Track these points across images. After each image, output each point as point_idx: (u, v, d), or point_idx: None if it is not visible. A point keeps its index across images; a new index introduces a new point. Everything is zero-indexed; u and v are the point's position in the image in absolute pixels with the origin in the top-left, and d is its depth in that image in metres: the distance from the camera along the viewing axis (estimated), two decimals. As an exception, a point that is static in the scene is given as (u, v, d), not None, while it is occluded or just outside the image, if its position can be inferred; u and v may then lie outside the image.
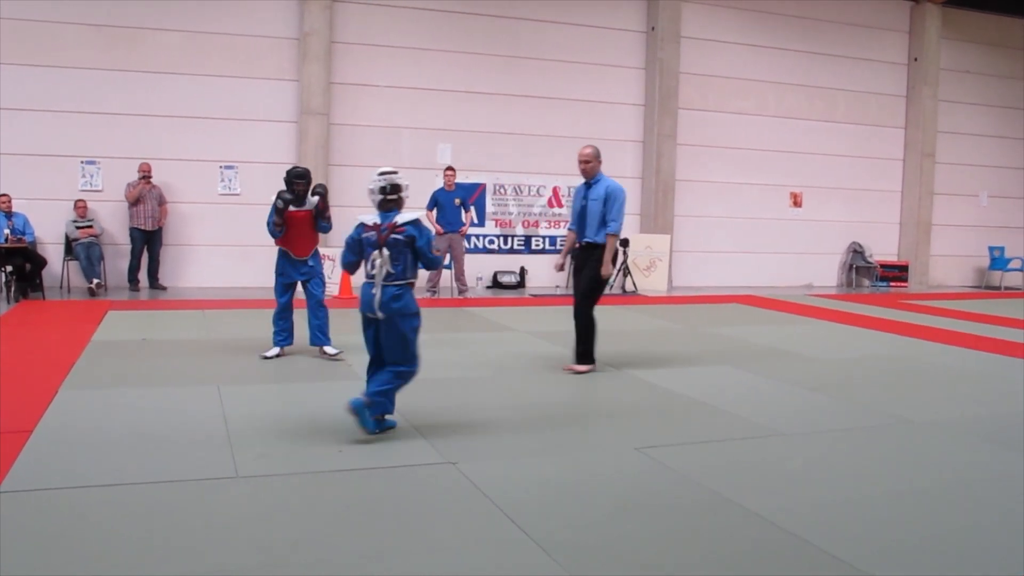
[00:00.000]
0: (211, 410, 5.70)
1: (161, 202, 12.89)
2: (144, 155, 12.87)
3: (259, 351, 7.84)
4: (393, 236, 5.16)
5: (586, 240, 7.43)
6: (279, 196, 7.56)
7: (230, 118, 13.47)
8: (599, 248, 7.34)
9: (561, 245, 15.29)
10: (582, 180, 7.52)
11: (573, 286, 7.78)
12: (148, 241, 12.84)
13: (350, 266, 5.45)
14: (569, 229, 7.83)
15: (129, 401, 5.93)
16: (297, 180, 7.69)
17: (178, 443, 4.94)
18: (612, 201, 7.30)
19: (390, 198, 5.25)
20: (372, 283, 5.16)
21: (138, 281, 12.82)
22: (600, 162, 7.48)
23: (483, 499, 4.12)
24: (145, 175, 12.64)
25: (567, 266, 7.88)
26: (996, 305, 14.47)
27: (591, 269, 7.38)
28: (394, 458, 4.77)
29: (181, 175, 13.29)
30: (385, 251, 5.12)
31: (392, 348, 5.19)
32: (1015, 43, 18.98)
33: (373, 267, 5.16)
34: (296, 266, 7.82)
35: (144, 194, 12.62)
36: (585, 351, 7.47)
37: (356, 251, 5.35)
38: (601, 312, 7.62)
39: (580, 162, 7.44)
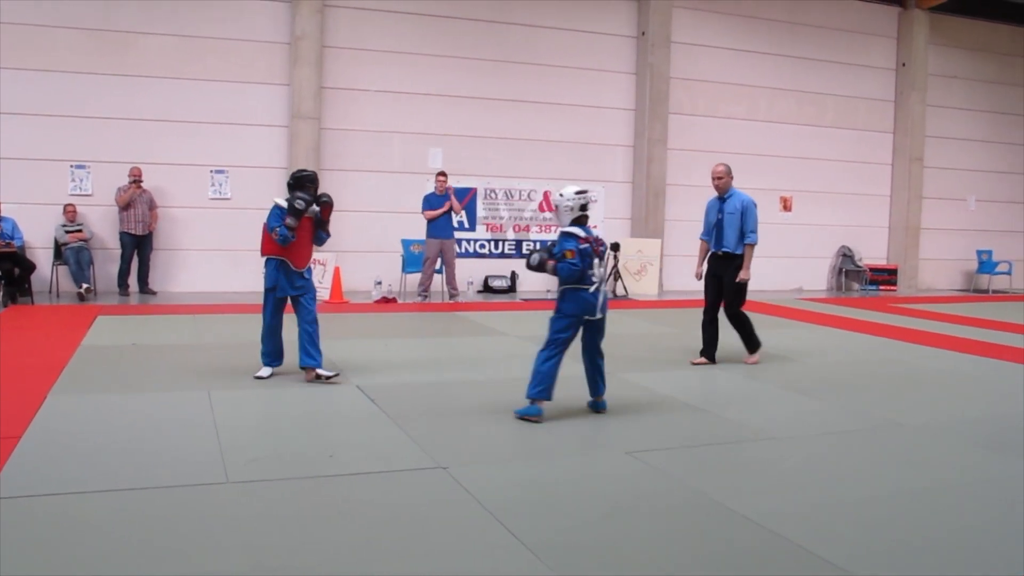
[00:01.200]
0: (202, 415, 5.69)
1: (151, 206, 12.86)
2: (134, 159, 12.84)
3: (250, 356, 7.82)
4: (601, 247, 6.07)
5: (724, 250, 8.18)
6: (297, 198, 6.83)
7: (221, 122, 13.45)
8: (737, 257, 8.11)
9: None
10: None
11: (705, 290, 8.48)
12: (138, 246, 12.80)
13: (576, 274, 5.94)
14: (701, 239, 8.55)
15: (119, 406, 5.93)
16: (309, 183, 7.11)
17: (168, 449, 4.93)
18: (748, 214, 8.10)
19: (587, 214, 6.10)
20: (597, 289, 5.97)
21: (128, 286, 12.78)
22: (732, 177, 8.29)
23: (474, 503, 4.13)
24: (136, 179, 12.60)
25: (702, 273, 8.58)
26: (985, 308, 14.55)
27: (732, 276, 8.13)
28: (385, 463, 4.77)
29: (171, 179, 13.26)
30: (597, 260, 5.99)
31: (598, 341, 6.13)
32: (1001, 48, 19.11)
33: (594, 274, 5.97)
34: (292, 279, 7.08)
35: (135, 198, 12.58)
36: (751, 340, 8.36)
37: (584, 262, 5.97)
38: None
39: (714, 178, 8.24)
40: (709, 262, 8.45)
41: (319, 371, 6.91)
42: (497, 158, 15.07)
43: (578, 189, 6.10)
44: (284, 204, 6.93)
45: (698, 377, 7.61)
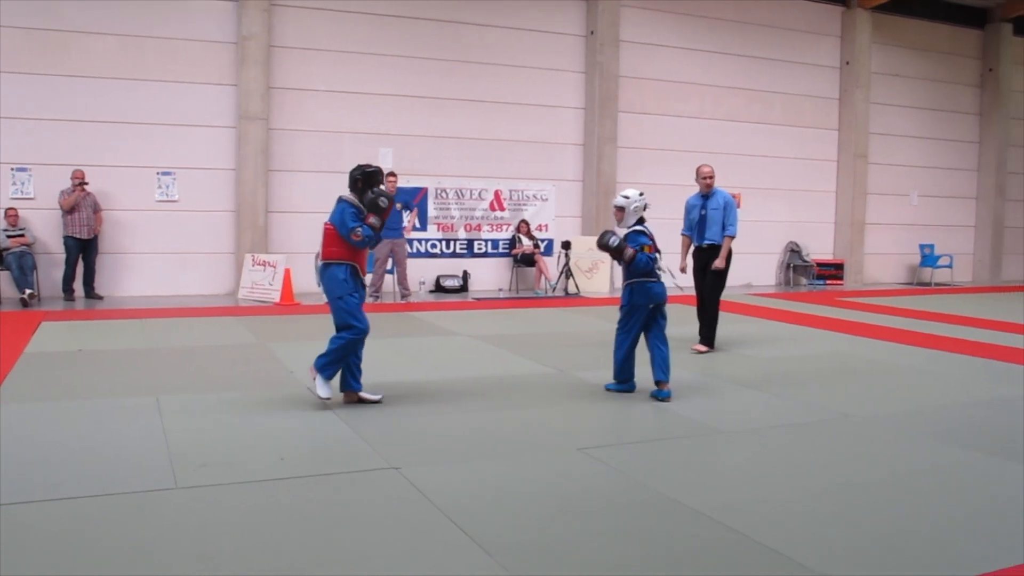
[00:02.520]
0: (150, 421, 5.62)
1: (96, 209, 12.61)
2: (78, 162, 12.60)
3: (200, 360, 7.72)
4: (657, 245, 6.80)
5: (709, 242, 8.89)
6: (380, 195, 6.11)
7: (167, 123, 13.25)
8: (717, 247, 8.87)
9: (505, 248, 15.40)
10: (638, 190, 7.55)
11: (695, 283, 9.15)
12: (83, 250, 12.55)
13: (651, 267, 6.66)
14: (683, 235, 9.26)
15: (65, 413, 5.82)
16: (379, 180, 6.28)
17: (116, 455, 4.86)
18: (731, 210, 8.92)
19: (645, 215, 6.82)
20: (660, 280, 6.68)
21: (73, 291, 12.54)
22: (715, 177, 9.10)
23: (426, 503, 4.13)
24: (80, 182, 12.36)
25: (687, 267, 9.26)
26: (928, 301, 14.87)
27: (719, 269, 8.88)
28: (337, 465, 4.75)
29: (117, 182, 13.04)
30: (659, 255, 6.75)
31: (664, 326, 6.76)
32: (941, 47, 19.56)
33: (661, 268, 6.69)
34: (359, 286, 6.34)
35: (79, 202, 12.33)
36: (711, 334, 8.94)
37: None
38: (542, 315, 7.72)
39: (703, 178, 9.03)
40: (693, 256, 9.13)
41: (363, 394, 6.28)
42: (448, 157, 15.05)
43: (639, 191, 6.81)
44: (353, 200, 6.16)
45: (648, 374, 7.66)
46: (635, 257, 6.56)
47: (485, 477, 4.61)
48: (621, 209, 6.77)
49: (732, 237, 8.92)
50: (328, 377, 6.06)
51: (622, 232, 6.76)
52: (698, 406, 6.41)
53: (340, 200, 6.20)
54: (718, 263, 8.88)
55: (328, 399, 6.04)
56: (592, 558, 3.56)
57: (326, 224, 6.21)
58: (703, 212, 8.95)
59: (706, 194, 9.03)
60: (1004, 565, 3.50)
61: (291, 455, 4.92)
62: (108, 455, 4.85)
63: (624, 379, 6.79)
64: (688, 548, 3.68)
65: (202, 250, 13.62)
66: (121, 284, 13.21)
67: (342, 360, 6.11)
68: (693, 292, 9.26)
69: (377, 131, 14.50)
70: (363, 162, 6.79)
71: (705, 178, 9.06)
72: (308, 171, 14.09)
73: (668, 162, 16.52)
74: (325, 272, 6.20)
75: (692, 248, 9.17)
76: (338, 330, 6.15)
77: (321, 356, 6.08)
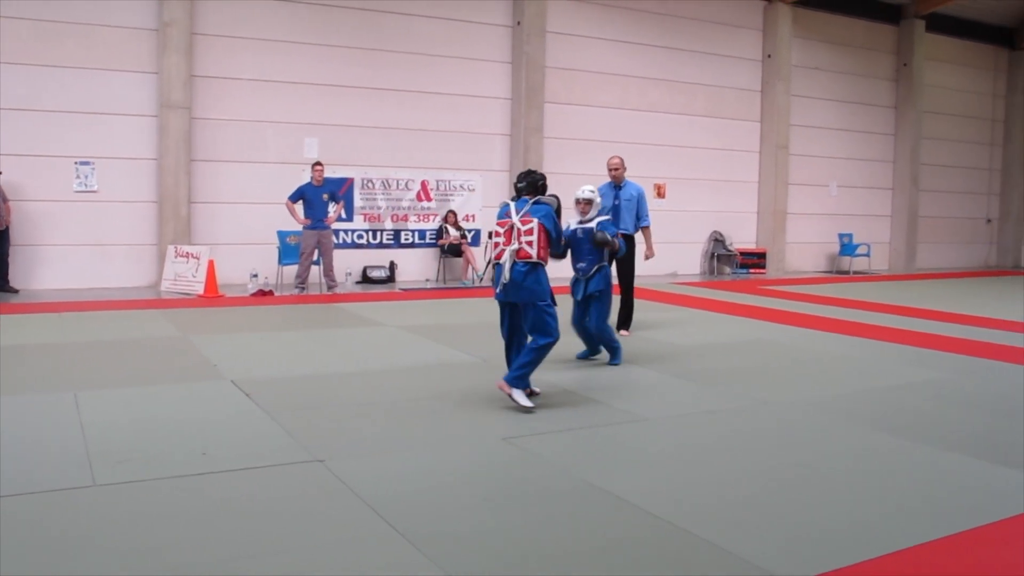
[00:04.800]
0: (67, 417, 5.50)
1: (4, 199, 12.18)
2: (-11, 151, 12.20)
3: (119, 354, 7.56)
4: None
5: (623, 231, 8.90)
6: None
7: (86, 111, 12.89)
8: (630, 237, 9.14)
9: (431, 239, 15.37)
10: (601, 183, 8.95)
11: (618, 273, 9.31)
12: (-6, 241, 12.14)
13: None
14: None
15: (-23, 411, 5.66)
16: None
17: (31, 453, 4.75)
18: (643, 201, 9.32)
19: None
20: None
21: (-14, 284, 12.16)
22: (626, 168, 9.34)
23: (352, 496, 4.14)
24: (-12, 171, 11.94)
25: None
26: (846, 288, 15.32)
27: (630, 256, 9.21)
28: (261, 458, 4.72)
29: (31, 171, 12.63)
30: None
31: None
32: (858, 42, 20.12)
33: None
34: None
35: (-13, 192, 11.93)
36: (629, 319, 9.42)
37: None
38: (469, 305, 7.77)
39: (611, 169, 9.25)
40: None
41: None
42: (374, 147, 14.95)
43: (590, 187, 7.57)
44: (551, 201, 6.14)
45: (573, 363, 7.76)
46: (618, 245, 7.49)
47: (411, 468, 4.63)
48: (589, 202, 7.38)
49: (648, 227, 9.41)
50: (525, 387, 5.94)
51: (589, 223, 7.44)
52: (619, 394, 6.51)
53: (537, 201, 6.07)
54: (648, 252, 9.44)
55: (533, 409, 5.84)
56: (519, 547, 3.60)
57: (531, 220, 5.97)
58: (616, 202, 9.18)
59: (618, 184, 9.29)
60: (915, 542, 3.66)
61: (214, 449, 4.87)
62: (22, 453, 4.74)
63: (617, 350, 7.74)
64: (616, 536, 3.74)
65: (123, 242, 13.30)
66: (38, 277, 12.83)
67: (537, 366, 5.98)
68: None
69: (302, 121, 14.33)
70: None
71: (613, 169, 9.30)
72: (232, 161, 13.86)
73: (593, 152, 16.65)
74: (531, 275, 5.97)
75: None
76: (537, 335, 5.98)
77: (517, 368, 5.89)
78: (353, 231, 14.92)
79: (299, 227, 12.93)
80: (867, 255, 19.56)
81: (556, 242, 6.17)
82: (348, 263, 14.49)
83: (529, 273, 5.95)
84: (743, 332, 9.93)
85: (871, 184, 20.75)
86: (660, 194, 17.64)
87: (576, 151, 16.45)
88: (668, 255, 17.63)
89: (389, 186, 15.17)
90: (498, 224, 6.17)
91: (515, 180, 6.29)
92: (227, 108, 13.82)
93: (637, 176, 17.06)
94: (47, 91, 12.67)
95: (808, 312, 11.69)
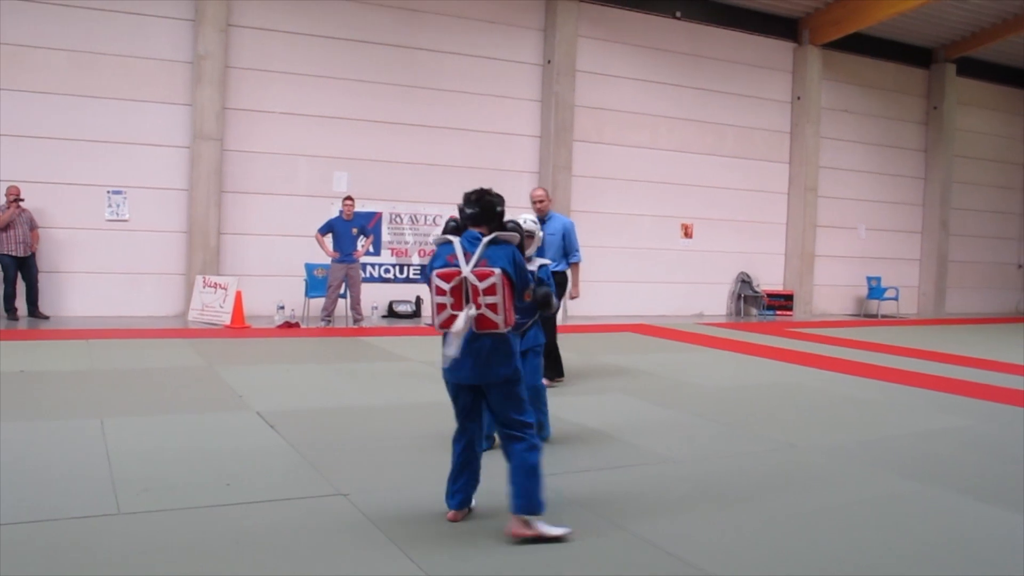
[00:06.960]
0: (93, 445, 5.50)
1: (32, 227, 12.35)
2: (17, 178, 12.33)
3: (146, 382, 7.59)
4: None
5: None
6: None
7: (119, 141, 13.09)
8: (560, 275, 8.24)
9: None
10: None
11: None
12: (21, 267, 12.24)
13: None
14: None
15: (4, 436, 5.67)
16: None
17: (57, 480, 4.75)
18: (571, 235, 8.52)
19: None
20: None
21: (16, 310, 12.26)
22: (551, 201, 8.67)
23: (374, 530, 4.10)
24: (15, 198, 12.08)
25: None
26: (875, 332, 15.15)
27: (557, 293, 8.27)
28: (284, 491, 4.70)
29: (65, 199, 12.82)
30: None
31: None
32: (888, 85, 20.08)
33: None
34: None
35: (14, 218, 12.07)
36: (559, 365, 8.50)
37: None
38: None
39: (535, 202, 8.45)
40: None
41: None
42: (403, 182, 15.05)
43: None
44: (512, 238, 4.40)
45: (599, 402, 7.69)
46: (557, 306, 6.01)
47: (435, 504, 4.57)
48: (530, 235, 5.82)
49: (578, 264, 8.68)
50: (542, 509, 4.15)
51: (533, 264, 5.76)
52: (644, 434, 6.44)
53: (494, 240, 4.28)
54: (575, 292, 8.81)
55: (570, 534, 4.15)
56: (540, 587, 3.54)
57: (491, 272, 4.18)
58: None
59: (543, 217, 8.30)
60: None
61: (237, 480, 4.85)
62: (48, 479, 4.74)
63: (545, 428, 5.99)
64: (635, 577, 3.68)
65: (152, 270, 13.43)
66: (68, 304, 12.97)
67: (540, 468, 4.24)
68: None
69: (332, 155, 14.46)
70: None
71: (537, 201, 8.48)
72: (262, 193, 13.99)
73: (621, 191, 16.72)
74: (502, 345, 4.35)
75: None
76: (511, 421, 4.31)
77: (520, 488, 4.14)
78: (380, 265, 14.98)
79: (326, 260, 13.00)
80: (895, 299, 19.38)
81: (519, 294, 4.34)
82: (374, 297, 14.53)
83: (499, 344, 4.28)
84: (769, 374, 9.83)
85: (900, 227, 20.61)
86: (687, 234, 17.62)
87: (604, 189, 16.48)
88: (694, 295, 17.62)
89: (417, 221, 15.23)
90: (438, 276, 4.24)
91: (460, 203, 4.44)
92: (258, 140, 13.97)
93: (664, 216, 17.25)
94: (82, 120, 12.88)
95: (835, 355, 11.55)
